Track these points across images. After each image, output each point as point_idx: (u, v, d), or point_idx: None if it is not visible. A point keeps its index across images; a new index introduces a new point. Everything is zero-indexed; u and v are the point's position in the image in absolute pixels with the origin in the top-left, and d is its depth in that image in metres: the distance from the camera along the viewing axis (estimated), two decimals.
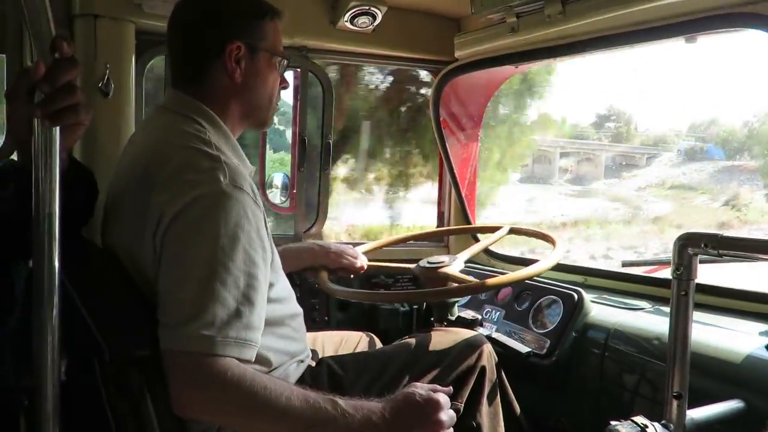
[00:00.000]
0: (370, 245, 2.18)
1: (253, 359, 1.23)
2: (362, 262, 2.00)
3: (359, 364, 1.59)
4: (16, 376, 1.64)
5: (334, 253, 1.97)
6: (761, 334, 1.59)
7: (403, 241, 2.39)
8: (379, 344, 1.96)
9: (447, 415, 1.29)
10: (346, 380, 1.52)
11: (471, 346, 1.66)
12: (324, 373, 1.54)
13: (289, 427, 1.20)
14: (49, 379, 0.98)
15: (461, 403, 1.59)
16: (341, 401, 1.22)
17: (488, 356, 1.67)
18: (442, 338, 1.69)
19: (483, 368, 1.63)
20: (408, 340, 1.72)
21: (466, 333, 1.73)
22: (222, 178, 1.22)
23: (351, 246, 2.05)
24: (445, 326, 1.92)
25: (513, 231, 2.16)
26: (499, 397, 1.69)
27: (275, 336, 1.41)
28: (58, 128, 0.95)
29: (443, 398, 1.31)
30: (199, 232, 1.20)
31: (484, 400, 1.63)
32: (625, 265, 2.24)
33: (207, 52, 1.41)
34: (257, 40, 1.44)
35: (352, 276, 2.03)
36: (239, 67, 1.42)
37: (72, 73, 0.95)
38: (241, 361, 1.19)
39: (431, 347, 1.64)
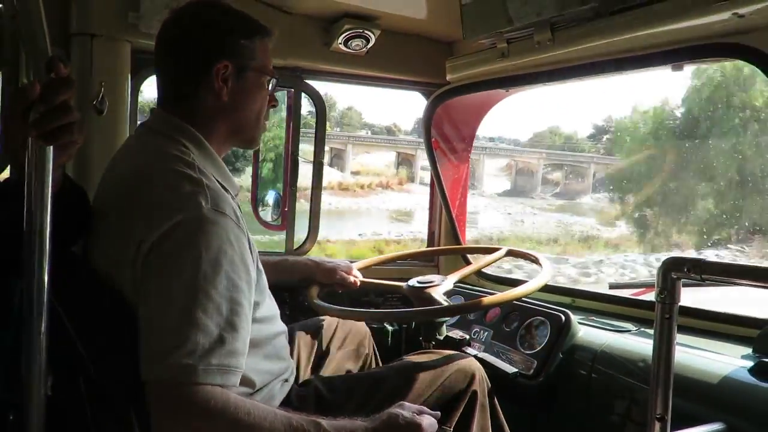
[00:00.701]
0: (363, 262, 2.20)
1: (237, 384, 1.22)
2: (355, 278, 2.01)
3: (348, 386, 1.58)
4: (3, 391, 1.65)
5: (328, 269, 1.98)
6: (743, 357, 1.61)
7: (395, 259, 2.40)
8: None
9: None
10: (333, 404, 1.50)
11: (463, 371, 1.65)
12: (311, 396, 1.54)
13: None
14: (35, 394, 0.98)
15: (450, 427, 1.58)
16: (324, 422, 1.23)
17: (480, 381, 1.65)
18: (434, 362, 1.67)
19: (474, 393, 1.62)
20: (398, 362, 1.71)
21: (458, 357, 1.72)
22: (204, 203, 1.21)
23: (345, 262, 2.07)
24: (434, 346, 1.93)
25: (510, 253, 2.18)
26: (489, 422, 1.67)
27: (260, 356, 1.41)
28: (51, 147, 0.97)
29: (427, 421, 1.32)
30: (180, 258, 1.18)
31: (474, 426, 1.61)
32: (612, 287, 2.26)
33: (194, 70, 1.39)
34: (245, 60, 1.42)
35: (340, 292, 2.04)
36: (226, 86, 1.40)
37: (67, 93, 0.96)
38: (225, 388, 1.17)
39: (422, 370, 1.63)
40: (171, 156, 1.31)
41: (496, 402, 1.71)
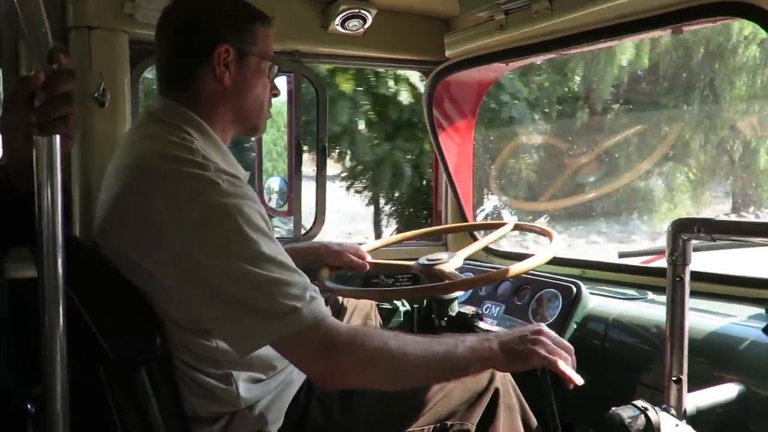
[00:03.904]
0: (371, 244, 2.19)
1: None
2: (364, 259, 2.01)
3: None
4: (20, 383, 1.67)
5: (336, 251, 1.98)
6: (757, 317, 1.61)
7: (404, 240, 2.40)
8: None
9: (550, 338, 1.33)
10: (356, 393, 1.49)
11: None
12: None
13: (426, 358, 1.25)
14: (58, 385, 0.99)
15: (473, 425, 1.56)
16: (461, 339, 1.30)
17: (502, 379, 1.61)
18: None
19: (497, 390, 1.59)
20: None
21: None
22: (220, 182, 1.22)
23: (352, 243, 2.07)
24: (446, 323, 1.93)
25: (517, 227, 2.17)
26: (516, 422, 1.62)
27: None
28: (57, 137, 0.97)
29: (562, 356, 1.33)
30: (225, 237, 1.19)
31: (499, 424, 1.57)
32: (621, 255, 2.26)
33: (195, 55, 1.39)
34: (247, 45, 1.42)
35: (350, 273, 2.04)
36: (228, 71, 1.39)
37: (69, 84, 0.97)
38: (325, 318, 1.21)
39: None
40: (174, 144, 1.30)
41: (523, 400, 1.67)
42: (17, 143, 1.01)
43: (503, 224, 2.17)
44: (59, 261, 0.98)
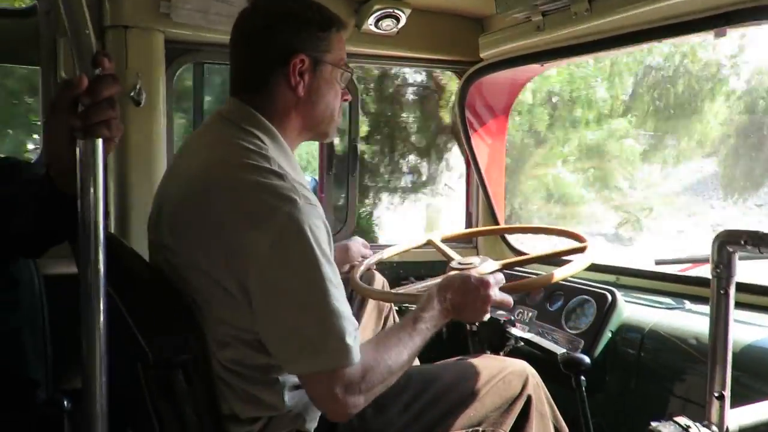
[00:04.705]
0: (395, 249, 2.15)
1: None
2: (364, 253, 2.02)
3: (402, 379, 1.55)
4: (55, 378, 1.70)
5: (341, 248, 1.97)
6: None
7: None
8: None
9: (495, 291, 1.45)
10: (387, 395, 1.45)
11: (516, 374, 1.61)
12: None
13: (411, 355, 1.35)
14: (98, 382, 1.00)
15: (505, 431, 1.55)
16: (420, 323, 1.38)
17: (535, 387, 1.61)
18: (487, 363, 1.64)
19: (529, 397, 1.58)
20: (451, 362, 1.69)
21: (512, 361, 1.68)
22: (297, 198, 1.21)
23: (356, 240, 2.06)
24: (477, 327, 1.91)
25: (542, 230, 2.14)
26: (548, 430, 1.62)
27: None
28: (100, 141, 0.97)
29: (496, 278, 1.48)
30: (296, 255, 1.19)
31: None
32: (658, 263, 2.21)
33: (270, 63, 1.37)
34: (321, 53, 1.40)
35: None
36: (302, 81, 1.38)
37: (113, 88, 0.98)
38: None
39: (475, 371, 1.60)
40: (250, 151, 1.29)
41: (558, 412, 1.66)
42: (61, 146, 1.01)
43: (535, 228, 2.13)
44: (101, 260, 0.99)
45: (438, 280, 1.63)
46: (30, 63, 2.21)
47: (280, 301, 1.20)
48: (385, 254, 2.02)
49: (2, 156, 1.61)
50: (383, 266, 2.09)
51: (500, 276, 1.52)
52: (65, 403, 1.57)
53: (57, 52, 2.00)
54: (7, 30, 2.02)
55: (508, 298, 1.50)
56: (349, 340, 1.21)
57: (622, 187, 9.46)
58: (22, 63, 2.32)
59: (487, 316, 1.47)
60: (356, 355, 1.22)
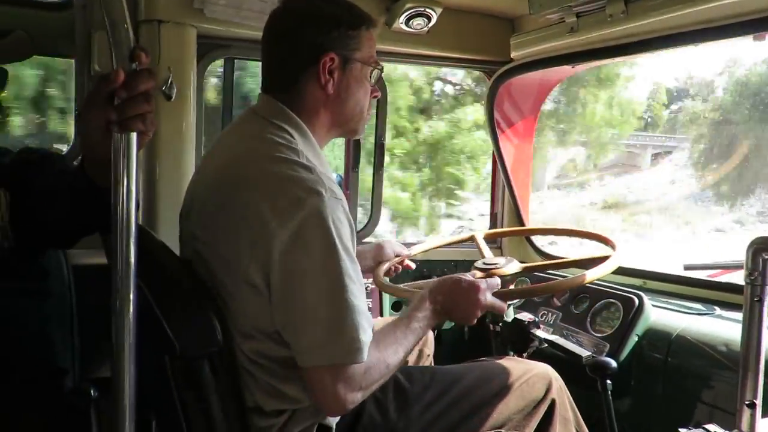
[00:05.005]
0: (420, 247, 2.15)
1: None
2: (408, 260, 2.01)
3: (426, 379, 1.56)
4: (81, 369, 1.73)
5: (387, 251, 1.96)
6: None
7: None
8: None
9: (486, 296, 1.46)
10: (411, 393, 1.50)
11: (540, 377, 1.61)
12: (391, 382, 1.50)
13: (406, 352, 1.37)
14: (127, 372, 1.01)
15: None
16: (409, 315, 1.41)
17: (559, 391, 1.60)
18: (511, 366, 1.64)
19: (553, 401, 1.58)
20: (475, 363, 1.69)
21: (535, 364, 1.67)
22: (324, 192, 1.22)
23: (394, 241, 2.05)
24: (501, 328, 1.89)
25: (569, 232, 2.11)
26: None
27: None
28: (135, 134, 0.99)
29: (488, 282, 1.49)
30: (318, 250, 1.21)
31: None
32: (687, 268, 2.17)
33: (301, 61, 1.39)
34: (351, 51, 1.41)
35: (398, 273, 2.02)
36: (332, 79, 1.39)
37: (149, 83, 0.99)
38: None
39: (499, 373, 1.60)
40: (280, 145, 1.31)
41: (581, 418, 1.65)
42: (96, 139, 1.03)
43: (561, 230, 2.10)
44: (132, 252, 1.00)
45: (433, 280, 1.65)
46: (64, 55, 2.24)
47: (297, 291, 1.22)
48: (413, 250, 2.02)
49: (35, 147, 1.64)
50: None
51: (494, 281, 1.52)
52: (92, 391, 1.60)
53: (92, 45, 2.03)
54: (43, 22, 2.05)
55: (500, 304, 1.50)
56: (363, 336, 1.22)
57: None
58: (57, 55, 2.35)
59: (493, 316, 1.51)
60: (366, 353, 1.23)
